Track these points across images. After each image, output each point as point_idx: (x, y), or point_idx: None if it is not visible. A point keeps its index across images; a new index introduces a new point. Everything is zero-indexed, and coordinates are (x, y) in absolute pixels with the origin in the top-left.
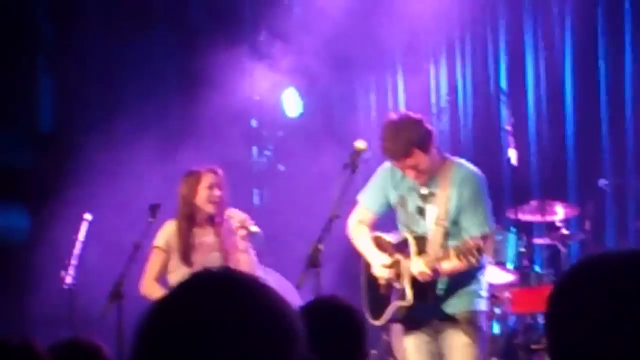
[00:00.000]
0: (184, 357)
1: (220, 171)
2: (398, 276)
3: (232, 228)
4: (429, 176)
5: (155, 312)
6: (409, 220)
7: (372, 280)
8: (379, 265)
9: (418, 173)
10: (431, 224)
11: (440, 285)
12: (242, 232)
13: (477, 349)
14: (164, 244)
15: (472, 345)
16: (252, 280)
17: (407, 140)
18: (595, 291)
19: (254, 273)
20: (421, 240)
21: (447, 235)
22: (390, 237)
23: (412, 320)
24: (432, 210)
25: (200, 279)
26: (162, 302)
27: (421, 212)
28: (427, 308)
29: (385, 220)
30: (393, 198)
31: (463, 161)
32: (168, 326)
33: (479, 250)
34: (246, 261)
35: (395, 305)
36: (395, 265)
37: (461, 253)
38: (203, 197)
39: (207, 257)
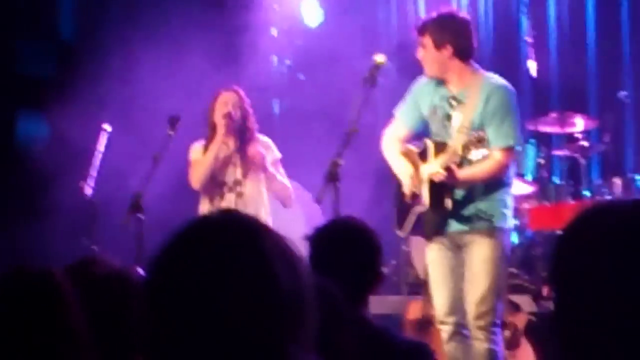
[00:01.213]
0: (189, 299)
1: (240, 91)
2: (420, 182)
3: (260, 150)
4: (455, 84)
5: (160, 257)
6: (437, 128)
7: (401, 192)
8: (405, 176)
9: (423, 60)
10: (455, 131)
11: (459, 193)
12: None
13: (497, 266)
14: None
15: (492, 261)
16: (256, 225)
17: (427, 24)
18: (599, 247)
19: (283, 189)
20: (441, 146)
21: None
22: (416, 147)
23: (432, 231)
24: (458, 117)
25: (206, 223)
26: (166, 248)
27: (449, 118)
28: (444, 216)
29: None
30: (425, 109)
31: (494, 75)
32: (172, 271)
33: (480, 141)
34: (272, 179)
35: (415, 211)
36: (416, 171)
37: (465, 146)
38: (219, 113)
39: (225, 170)
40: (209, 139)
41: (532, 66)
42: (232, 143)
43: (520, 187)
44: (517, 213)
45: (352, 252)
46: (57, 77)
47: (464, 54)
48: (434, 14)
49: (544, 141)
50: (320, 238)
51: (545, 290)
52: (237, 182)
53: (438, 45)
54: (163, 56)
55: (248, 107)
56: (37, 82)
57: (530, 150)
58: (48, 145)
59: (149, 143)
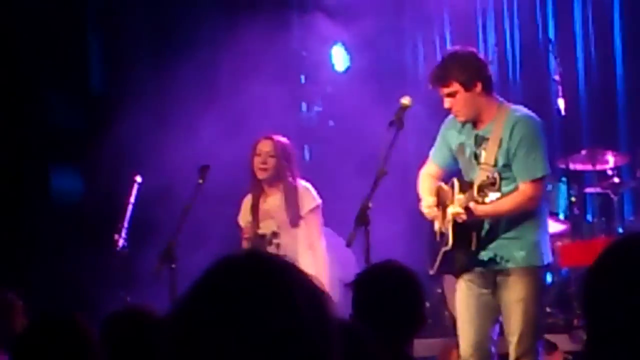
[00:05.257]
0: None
1: (276, 138)
2: (447, 221)
3: (299, 198)
4: (483, 121)
5: (187, 292)
6: (466, 167)
7: (433, 230)
8: (425, 205)
9: (454, 107)
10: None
11: (485, 230)
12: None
13: (533, 305)
14: (242, 222)
15: (527, 301)
16: (278, 260)
17: (450, 71)
18: (629, 276)
19: (315, 244)
20: (466, 185)
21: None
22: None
23: (460, 269)
24: (484, 155)
25: (225, 265)
26: (192, 285)
27: (476, 157)
28: (470, 256)
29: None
30: (454, 147)
31: (520, 107)
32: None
33: (493, 184)
34: (304, 234)
35: (441, 251)
36: (443, 210)
37: (480, 188)
38: (255, 164)
39: (266, 223)
40: (252, 187)
41: (561, 104)
42: (277, 193)
43: (552, 226)
44: (551, 252)
45: (395, 296)
46: (88, 128)
47: (489, 87)
48: (446, 60)
49: (576, 179)
50: (362, 283)
51: (576, 321)
52: (275, 235)
53: (468, 87)
54: (194, 105)
55: (283, 155)
56: (70, 134)
57: (562, 188)
58: (82, 198)
59: (181, 193)
